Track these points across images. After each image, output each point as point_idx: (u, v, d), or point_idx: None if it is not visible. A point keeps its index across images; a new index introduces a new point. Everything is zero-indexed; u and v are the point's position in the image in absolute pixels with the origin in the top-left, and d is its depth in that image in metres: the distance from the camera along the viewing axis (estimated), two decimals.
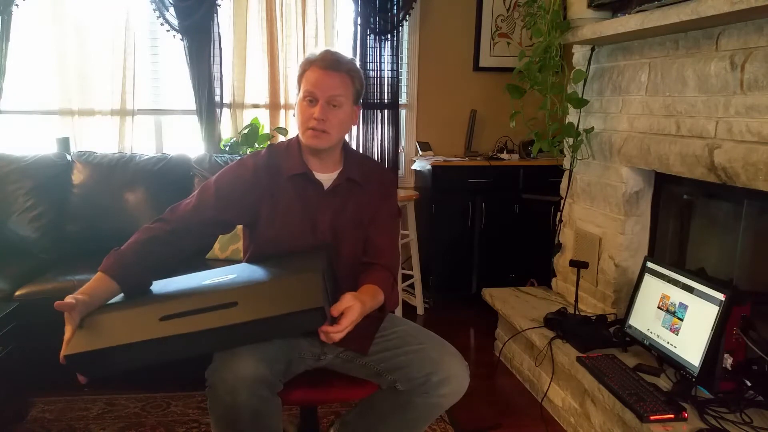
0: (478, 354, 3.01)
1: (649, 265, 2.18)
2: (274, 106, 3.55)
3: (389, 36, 3.60)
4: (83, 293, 1.36)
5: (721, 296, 1.82)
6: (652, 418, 1.73)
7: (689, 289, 1.96)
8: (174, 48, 3.41)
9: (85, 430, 2.22)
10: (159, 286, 1.50)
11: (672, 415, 1.73)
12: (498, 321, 2.97)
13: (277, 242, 1.58)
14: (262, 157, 1.63)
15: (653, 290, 2.13)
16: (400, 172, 3.92)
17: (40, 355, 2.37)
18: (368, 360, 1.55)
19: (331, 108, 1.51)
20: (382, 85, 3.65)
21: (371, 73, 3.62)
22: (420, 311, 3.52)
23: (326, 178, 1.62)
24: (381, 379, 1.54)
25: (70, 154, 3.01)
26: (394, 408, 1.53)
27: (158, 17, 3.27)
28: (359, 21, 3.53)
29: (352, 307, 1.36)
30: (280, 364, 1.45)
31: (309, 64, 1.53)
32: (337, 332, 1.33)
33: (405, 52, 3.79)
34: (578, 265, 2.52)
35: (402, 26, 3.65)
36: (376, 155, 3.74)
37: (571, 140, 2.70)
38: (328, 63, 1.51)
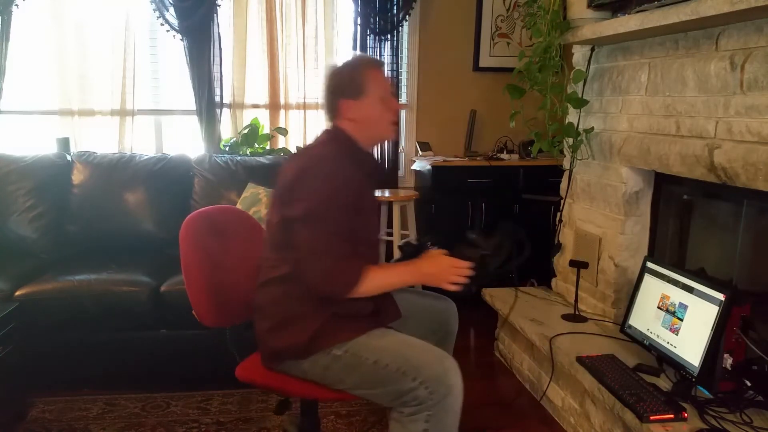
0: (478, 354, 3.01)
1: (649, 265, 2.18)
2: (273, 106, 3.55)
3: (389, 36, 3.60)
4: None
5: (720, 296, 1.82)
6: (652, 418, 1.73)
7: (689, 289, 1.96)
8: (174, 48, 3.41)
9: (85, 430, 2.22)
10: None
11: (672, 415, 1.73)
12: (498, 321, 2.97)
13: None
14: None
15: (653, 290, 2.12)
16: (400, 172, 3.92)
17: (40, 355, 2.38)
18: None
19: None
20: None
21: None
22: None
23: None
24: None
25: (69, 155, 3.01)
26: None
27: (158, 17, 3.27)
28: (359, 21, 3.53)
29: None
30: None
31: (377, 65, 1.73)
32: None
33: (405, 52, 3.79)
34: (578, 265, 2.52)
35: (402, 26, 3.65)
36: (376, 155, 3.73)
37: (570, 140, 2.69)
38: None
